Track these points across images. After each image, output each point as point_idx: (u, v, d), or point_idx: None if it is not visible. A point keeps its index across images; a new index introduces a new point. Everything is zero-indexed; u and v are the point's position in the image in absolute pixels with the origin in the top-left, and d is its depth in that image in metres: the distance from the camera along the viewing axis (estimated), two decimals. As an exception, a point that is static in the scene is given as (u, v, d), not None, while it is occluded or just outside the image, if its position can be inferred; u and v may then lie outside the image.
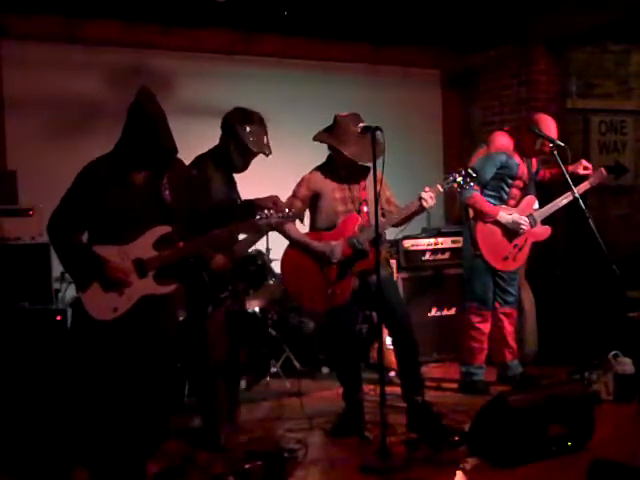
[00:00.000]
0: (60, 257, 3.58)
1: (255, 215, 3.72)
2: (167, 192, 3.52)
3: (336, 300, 4.34)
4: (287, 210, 3.80)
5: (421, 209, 4.32)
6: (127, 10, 5.82)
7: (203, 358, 4.12)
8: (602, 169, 5.23)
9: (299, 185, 4.46)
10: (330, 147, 4.42)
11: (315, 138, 4.43)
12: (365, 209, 4.41)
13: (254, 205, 3.81)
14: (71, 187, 3.52)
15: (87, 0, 5.65)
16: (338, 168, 4.40)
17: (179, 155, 3.62)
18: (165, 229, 3.52)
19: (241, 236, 4.37)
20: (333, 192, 4.39)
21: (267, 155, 4.19)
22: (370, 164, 4.07)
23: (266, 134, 4.19)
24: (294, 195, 4.44)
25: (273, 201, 3.80)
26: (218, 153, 4.18)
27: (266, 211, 3.73)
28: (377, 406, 4.01)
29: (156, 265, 3.51)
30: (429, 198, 4.27)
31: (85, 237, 3.58)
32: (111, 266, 3.44)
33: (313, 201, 4.42)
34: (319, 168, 4.48)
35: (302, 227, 4.54)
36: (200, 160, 4.16)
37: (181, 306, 4.24)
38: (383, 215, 4.38)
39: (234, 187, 4.27)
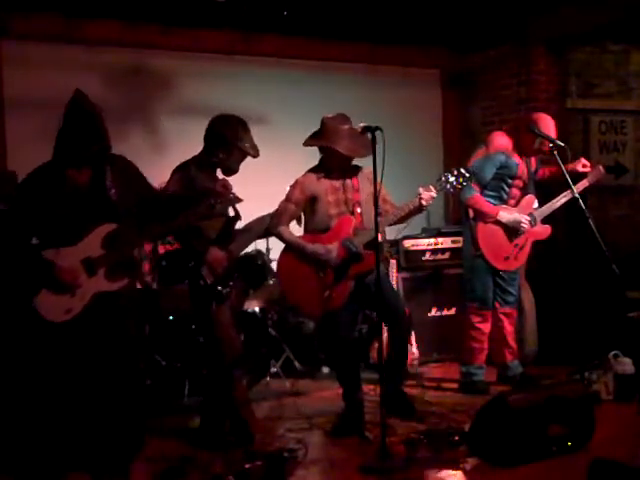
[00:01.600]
0: (9, 264, 3.62)
1: (206, 199, 3.81)
2: (113, 191, 3.58)
3: (333, 303, 4.34)
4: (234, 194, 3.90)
5: (419, 208, 4.34)
6: (127, 10, 5.82)
7: (215, 355, 4.15)
8: (600, 166, 5.24)
9: (293, 188, 4.46)
10: (322, 148, 4.42)
11: (305, 144, 4.43)
12: (358, 210, 4.41)
13: (204, 190, 3.92)
14: (14, 197, 3.61)
15: (87, 0, 5.66)
16: (331, 170, 4.41)
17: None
18: (111, 227, 3.57)
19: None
20: (326, 195, 4.40)
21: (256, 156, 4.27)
22: (365, 159, 4.09)
23: (251, 135, 4.25)
24: (287, 199, 4.44)
25: (222, 184, 3.93)
26: (203, 160, 4.22)
27: (217, 197, 3.85)
28: (377, 406, 4.02)
29: (105, 262, 3.55)
30: (428, 195, 4.30)
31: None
32: (58, 269, 3.48)
33: (309, 204, 4.42)
34: (312, 171, 4.48)
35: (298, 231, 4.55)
36: (184, 165, 4.21)
37: (185, 304, 4.28)
38: (380, 214, 4.38)
39: None
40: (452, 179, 4.37)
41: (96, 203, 3.57)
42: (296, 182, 4.47)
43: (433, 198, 4.35)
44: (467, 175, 4.41)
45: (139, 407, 3.76)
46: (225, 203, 3.89)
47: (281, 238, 4.44)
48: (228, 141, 4.15)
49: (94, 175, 3.57)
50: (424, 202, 4.31)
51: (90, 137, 3.48)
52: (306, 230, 4.51)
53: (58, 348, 3.59)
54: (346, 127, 4.28)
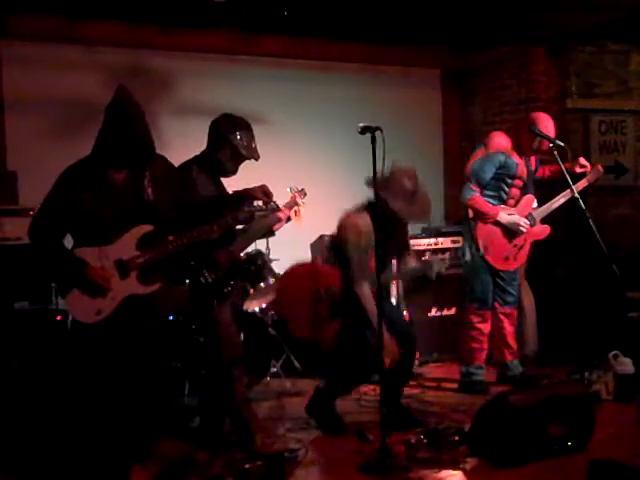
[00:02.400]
0: (42, 261, 3.58)
1: (245, 205, 3.76)
2: (150, 190, 3.51)
3: (321, 334, 4.37)
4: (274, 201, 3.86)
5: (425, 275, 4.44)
6: (127, 10, 5.82)
7: (215, 354, 4.14)
8: (599, 166, 5.24)
9: (358, 235, 4.24)
10: (379, 197, 4.22)
11: (370, 185, 4.20)
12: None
13: (243, 196, 3.85)
14: (51, 191, 3.52)
15: (87, 0, 5.65)
16: (382, 215, 4.21)
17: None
18: (147, 228, 3.51)
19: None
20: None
21: (257, 160, 4.23)
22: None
23: (254, 139, 4.24)
24: (359, 248, 4.25)
25: (263, 191, 3.84)
26: (204, 159, 4.22)
27: (256, 202, 3.79)
28: (377, 406, 4.01)
29: (139, 264, 3.50)
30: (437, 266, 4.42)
31: (68, 241, 3.57)
32: (90, 269, 3.42)
33: None
34: (366, 211, 4.32)
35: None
36: (184, 165, 4.20)
37: (184, 305, 4.28)
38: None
39: (221, 187, 4.28)
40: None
41: (133, 203, 3.50)
42: (358, 229, 4.27)
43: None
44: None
45: (157, 410, 3.73)
46: (266, 211, 3.85)
47: (362, 297, 4.25)
48: (226, 140, 4.15)
49: (132, 175, 3.49)
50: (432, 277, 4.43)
51: (130, 137, 3.40)
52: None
53: (88, 349, 3.53)
54: (409, 186, 4.19)
